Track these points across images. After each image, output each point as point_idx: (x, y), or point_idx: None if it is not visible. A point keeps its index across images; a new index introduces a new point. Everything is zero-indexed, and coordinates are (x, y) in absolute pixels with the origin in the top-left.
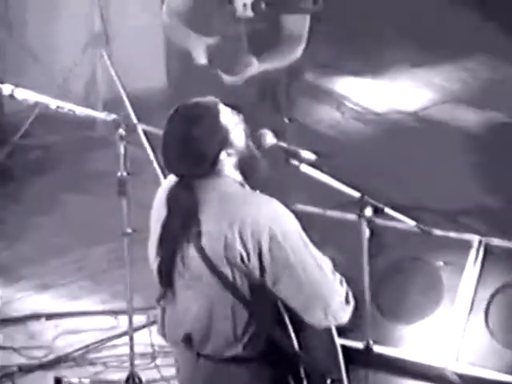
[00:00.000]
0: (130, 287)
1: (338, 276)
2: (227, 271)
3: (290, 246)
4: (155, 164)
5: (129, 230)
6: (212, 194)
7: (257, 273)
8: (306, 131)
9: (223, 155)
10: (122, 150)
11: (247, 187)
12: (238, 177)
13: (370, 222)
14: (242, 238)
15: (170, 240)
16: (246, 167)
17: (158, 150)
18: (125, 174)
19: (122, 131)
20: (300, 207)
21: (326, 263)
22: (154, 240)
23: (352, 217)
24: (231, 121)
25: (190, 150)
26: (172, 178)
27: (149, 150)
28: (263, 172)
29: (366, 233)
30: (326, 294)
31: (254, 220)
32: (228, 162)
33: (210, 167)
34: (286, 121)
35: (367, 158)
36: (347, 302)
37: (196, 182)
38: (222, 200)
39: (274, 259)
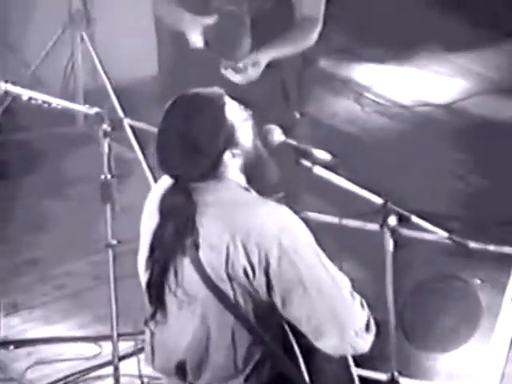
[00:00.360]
0: (116, 309)
1: (358, 297)
2: (228, 289)
3: (303, 262)
4: (144, 165)
5: (113, 242)
6: (212, 199)
7: (263, 291)
8: (319, 127)
9: (227, 155)
10: (106, 149)
11: (253, 193)
12: (243, 181)
13: (394, 232)
14: (246, 251)
15: (161, 252)
16: (252, 170)
17: (147, 148)
18: (109, 176)
19: (106, 127)
20: (312, 215)
21: (344, 282)
22: (144, 252)
23: (373, 227)
24: (238, 116)
25: (190, 147)
26: (165, 181)
27: (137, 149)
28: (272, 176)
29: (390, 245)
30: (343, 319)
31: (260, 230)
32: (232, 164)
33: (212, 169)
34: (297, 115)
35: (391, 158)
36: (368, 328)
37: (194, 186)
38: (224, 207)
39: (283, 276)
